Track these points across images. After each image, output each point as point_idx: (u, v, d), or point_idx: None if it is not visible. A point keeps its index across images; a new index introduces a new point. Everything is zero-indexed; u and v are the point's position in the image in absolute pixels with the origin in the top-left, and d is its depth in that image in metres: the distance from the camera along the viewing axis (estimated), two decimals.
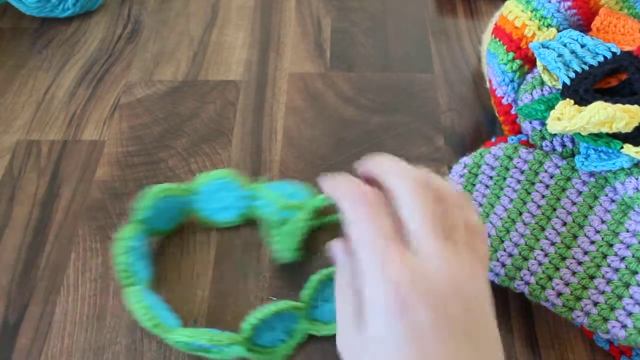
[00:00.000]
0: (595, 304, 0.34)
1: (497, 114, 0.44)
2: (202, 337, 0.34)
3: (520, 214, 0.38)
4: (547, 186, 0.38)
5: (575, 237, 0.36)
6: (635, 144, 0.34)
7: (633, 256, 0.34)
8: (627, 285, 0.33)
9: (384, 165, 0.28)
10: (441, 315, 0.24)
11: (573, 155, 0.38)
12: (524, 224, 0.38)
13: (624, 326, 0.33)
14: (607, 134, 0.35)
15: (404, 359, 0.24)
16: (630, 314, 0.33)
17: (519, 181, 0.39)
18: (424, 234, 0.25)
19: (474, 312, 0.25)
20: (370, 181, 0.28)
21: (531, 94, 0.39)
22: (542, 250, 0.36)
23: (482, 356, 0.25)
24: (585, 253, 0.35)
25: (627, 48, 0.37)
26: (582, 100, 0.35)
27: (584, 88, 0.35)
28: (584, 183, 0.37)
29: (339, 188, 0.27)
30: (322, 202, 0.40)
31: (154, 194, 0.40)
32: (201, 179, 0.41)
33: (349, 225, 0.26)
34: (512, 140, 0.41)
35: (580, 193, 0.37)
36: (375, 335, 0.25)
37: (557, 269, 0.35)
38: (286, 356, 0.37)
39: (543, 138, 0.39)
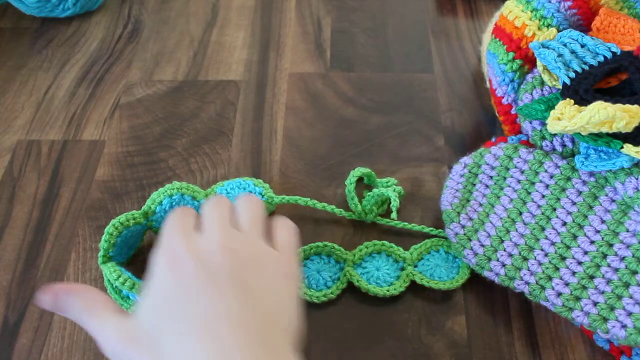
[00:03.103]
0: (595, 303, 0.34)
1: (497, 114, 0.44)
2: None
3: (520, 213, 0.38)
4: (547, 186, 0.38)
5: (575, 237, 0.36)
6: (635, 144, 0.34)
7: (633, 256, 0.34)
8: (627, 285, 0.33)
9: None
10: (205, 267, 0.30)
11: (573, 155, 0.38)
12: (524, 223, 0.38)
13: (624, 326, 0.33)
14: (607, 134, 0.35)
15: (173, 301, 0.29)
16: (630, 313, 0.33)
17: (519, 181, 0.39)
18: (212, 226, 0.33)
19: (246, 269, 0.31)
20: None
21: (531, 94, 0.39)
22: (542, 250, 0.36)
23: (253, 304, 0.29)
24: (585, 253, 0.35)
25: (627, 48, 0.37)
26: (582, 100, 0.35)
27: (584, 88, 0.35)
28: (584, 183, 0.37)
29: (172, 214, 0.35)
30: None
31: (112, 233, 0.39)
32: (154, 197, 0.41)
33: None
34: (512, 140, 0.41)
35: (580, 193, 0.37)
36: (153, 287, 0.30)
37: (557, 268, 0.35)
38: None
39: (543, 138, 0.39)
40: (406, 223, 0.43)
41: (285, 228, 0.35)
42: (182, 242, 0.31)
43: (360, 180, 0.45)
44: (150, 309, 0.30)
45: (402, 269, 0.40)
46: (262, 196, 0.42)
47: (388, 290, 0.39)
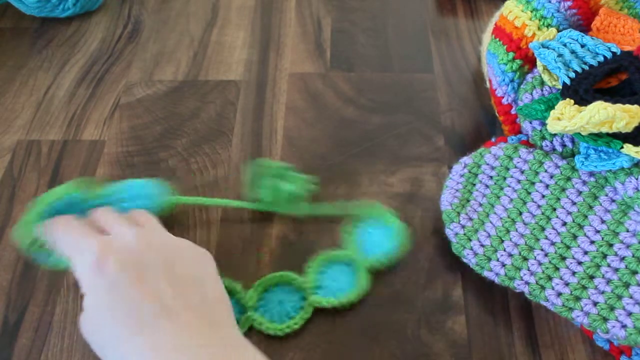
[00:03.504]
0: (595, 303, 0.34)
1: (497, 114, 0.44)
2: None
3: (520, 213, 0.38)
4: (547, 186, 0.38)
5: (575, 237, 0.36)
6: (635, 144, 0.34)
7: (633, 256, 0.34)
8: (627, 285, 0.33)
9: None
10: (127, 260, 0.31)
11: (573, 155, 0.38)
12: (524, 223, 0.38)
13: (624, 326, 0.33)
14: (607, 134, 0.35)
15: (105, 301, 0.30)
16: (630, 313, 0.33)
17: (519, 181, 0.39)
18: (116, 225, 0.34)
19: (167, 256, 0.32)
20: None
21: (531, 94, 0.39)
22: (542, 250, 0.36)
23: (184, 287, 0.31)
24: (585, 253, 0.35)
25: (627, 48, 0.37)
26: (582, 100, 0.35)
27: (584, 88, 0.36)
28: (584, 183, 0.37)
29: (54, 227, 0.35)
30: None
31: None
32: (43, 199, 0.38)
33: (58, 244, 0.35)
34: (512, 140, 0.41)
35: (580, 193, 0.37)
36: (86, 298, 0.31)
37: (557, 268, 0.35)
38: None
39: (543, 138, 0.39)
40: (324, 205, 0.43)
41: (144, 213, 0.37)
42: (95, 247, 0.32)
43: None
44: (91, 321, 0.31)
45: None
46: (156, 198, 0.41)
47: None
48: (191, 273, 0.32)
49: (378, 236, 0.42)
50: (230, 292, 0.38)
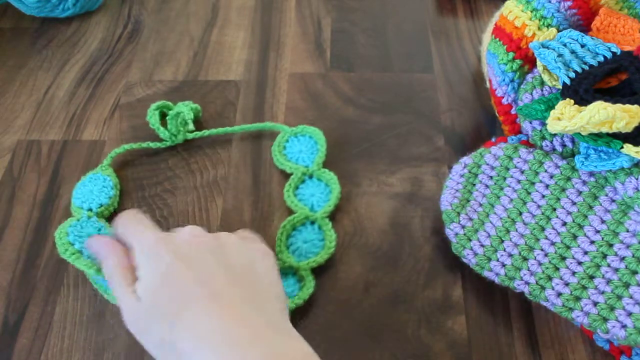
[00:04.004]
0: (595, 304, 0.34)
1: (497, 114, 0.44)
2: None
3: (520, 213, 0.38)
4: (547, 186, 0.38)
5: (575, 237, 0.36)
6: (635, 144, 0.34)
7: (633, 256, 0.34)
8: (627, 285, 0.33)
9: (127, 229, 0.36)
10: (180, 252, 0.32)
11: (573, 155, 0.38)
12: (524, 223, 0.38)
13: (624, 326, 0.33)
14: (607, 134, 0.35)
15: (158, 283, 0.32)
16: (630, 314, 0.33)
17: (519, 181, 0.39)
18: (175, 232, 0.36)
19: (222, 249, 0.34)
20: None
21: (531, 94, 0.39)
22: (542, 250, 0.36)
23: (239, 278, 0.32)
24: (585, 253, 0.35)
25: (627, 48, 0.37)
26: (582, 100, 0.35)
27: (584, 88, 0.35)
28: (584, 183, 0.37)
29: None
30: None
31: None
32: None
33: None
34: (512, 140, 0.41)
35: (580, 193, 0.37)
36: (140, 284, 0.32)
37: (557, 269, 0.35)
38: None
39: (543, 138, 0.39)
40: (219, 128, 0.48)
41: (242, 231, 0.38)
42: (153, 235, 0.34)
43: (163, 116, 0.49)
44: (148, 298, 0.32)
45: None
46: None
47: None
48: (246, 265, 0.34)
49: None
50: None
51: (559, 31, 0.40)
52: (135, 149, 0.48)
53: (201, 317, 0.30)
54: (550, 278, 0.35)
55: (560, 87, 0.37)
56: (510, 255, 0.37)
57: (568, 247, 0.36)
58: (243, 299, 0.31)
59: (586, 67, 0.37)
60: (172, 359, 0.30)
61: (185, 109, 0.47)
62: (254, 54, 0.56)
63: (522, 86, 0.41)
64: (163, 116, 0.49)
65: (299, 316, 0.39)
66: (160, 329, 0.31)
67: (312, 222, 0.43)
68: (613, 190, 0.36)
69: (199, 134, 0.48)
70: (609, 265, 0.34)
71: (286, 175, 0.46)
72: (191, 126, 0.47)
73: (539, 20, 0.41)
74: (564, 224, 0.37)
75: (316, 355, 0.30)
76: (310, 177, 0.46)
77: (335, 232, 0.42)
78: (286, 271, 0.41)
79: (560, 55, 0.38)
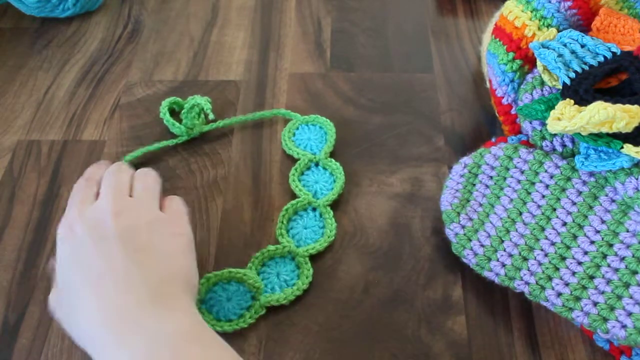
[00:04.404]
0: (595, 304, 0.34)
1: (497, 114, 0.44)
2: None
3: (520, 214, 0.38)
4: (547, 186, 0.38)
5: (575, 237, 0.36)
6: (635, 144, 0.34)
7: (633, 256, 0.34)
8: (627, 285, 0.33)
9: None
10: (94, 231, 0.35)
11: (573, 155, 0.38)
12: (524, 224, 0.38)
13: (624, 326, 0.33)
14: (607, 134, 0.35)
15: (71, 262, 0.34)
16: (630, 314, 0.33)
17: (519, 181, 0.39)
18: (104, 193, 0.38)
19: (135, 231, 0.35)
20: None
21: (531, 94, 0.39)
22: (542, 250, 0.36)
23: (142, 261, 0.34)
24: (585, 253, 0.35)
25: (627, 48, 0.37)
26: (582, 100, 0.35)
27: (584, 88, 0.35)
28: (584, 183, 0.37)
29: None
30: None
31: None
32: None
33: None
34: (512, 140, 0.41)
35: (580, 193, 0.37)
36: (58, 254, 0.35)
37: (557, 269, 0.35)
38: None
39: (543, 138, 0.39)
40: (233, 118, 0.49)
41: (174, 199, 0.39)
42: (76, 212, 0.36)
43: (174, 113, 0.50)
44: (59, 275, 0.35)
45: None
46: None
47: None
48: (155, 250, 0.35)
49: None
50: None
51: (559, 31, 0.40)
52: (131, 151, 0.48)
53: (100, 293, 0.32)
54: (550, 278, 0.35)
55: (560, 87, 0.37)
56: (510, 255, 0.37)
57: (568, 247, 0.36)
58: (143, 278, 0.33)
59: (586, 67, 0.37)
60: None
61: (202, 100, 0.48)
62: (254, 54, 0.56)
63: (522, 86, 0.41)
64: (172, 113, 0.50)
65: (299, 316, 0.39)
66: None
67: (314, 209, 0.44)
68: (613, 190, 0.36)
69: (214, 125, 0.48)
70: (609, 265, 0.34)
71: (286, 174, 0.46)
72: (212, 116, 0.47)
73: (539, 20, 0.41)
74: (564, 224, 0.37)
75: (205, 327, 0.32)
76: (317, 165, 0.46)
77: (336, 222, 0.43)
78: (285, 257, 0.41)
79: (560, 55, 0.38)
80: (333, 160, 0.46)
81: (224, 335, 0.35)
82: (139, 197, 0.38)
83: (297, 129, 0.49)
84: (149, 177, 0.40)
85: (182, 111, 0.47)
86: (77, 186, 0.39)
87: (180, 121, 0.48)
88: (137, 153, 0.47)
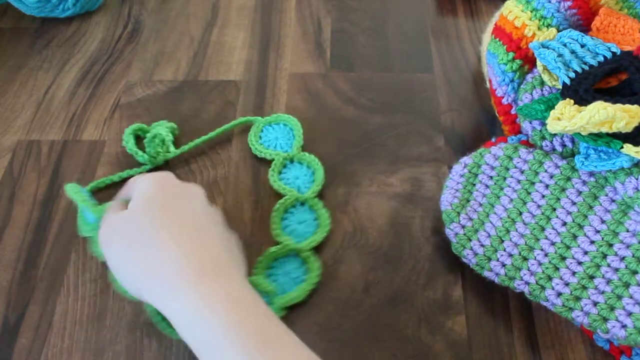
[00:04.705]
0: (595, 303, 0.34)
1: (497, 114, 0.44)
2: None
3: (520, 213, 0.38)
4: (547, 186, 0.38)
5: (575, 237, 0.36)
6: (635, 144, 0.34)
7: (633, 256, 0.34)
8: (627, 285, 0.33)
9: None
10: (142, 200, 0.36)
11: (573, 155, 0.38)
12: (524, 223, 0.38)
13: (624, 326, 0.33)
14: (607, 134, 0.35)
15: (121, 228, 0.35)
16: (630, 313, 0.33)
17: (519, 181, 0.39)
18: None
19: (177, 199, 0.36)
20: None
21: (531, 94, 0.39)
22: (542, 250, 0.36)
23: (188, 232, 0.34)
24: (585, 253, 0.35)
25: (627, 48, 0.37)
26: (582, 100, 0.35)
27: (584, 88, 0.35)
28: (584, 183, 0.37)
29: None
30: None
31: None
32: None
33: None
34: (512, 140, 0.41)
35: (580, 193, 0.37)
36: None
37: (557, 269, 0.35)
38: None
39: (543, 138, 0.39)
40: (196, 140, 0.47)
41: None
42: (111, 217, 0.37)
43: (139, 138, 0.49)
44: (106, 238, 0.36)
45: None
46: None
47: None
48: (194, 221, 0.36)
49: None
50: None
51: (559, 31, 0.40)
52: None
53: (146, 254, 0.33)
54: (550, 278, 0.35)
55: (560, 87, 0.37)
56: (510, 255, 0.37)
57: (568, 247, 0.36)
58: (192, 270, 0.33)
59: (586, 67, 0.37)
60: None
61: (163, 130, 0.47)
62: (254, 54, 0.56)
63: (522, 86, 0.41)
64: (138, 139, 0.49)
65: (299, 316, 0.39)
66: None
67: (302, 204, 0.44)
68: (613, 190, 0.36)
69: (177, 151, 0.47)
70: (609, 265, 0.34)
71: None
72: (172, 148, 0.47)
73: (539, 20, 0.41)
74: (564, 224, 0.37)
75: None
76: (292, 161, 0.47)
77: (327, 211, 0.43)
78: (288, 255, 0.41)
79: (560, 55, 0.38)
80: (306, 153, 0.47)
81: None
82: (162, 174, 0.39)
83: (262, 131, 0.49)
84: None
85: (145, 140, 0.47)
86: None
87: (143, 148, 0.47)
88: (99, 182, 0.46)
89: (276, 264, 0.41)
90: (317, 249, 0.42)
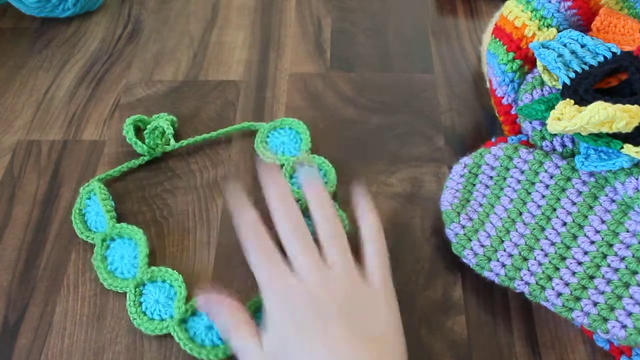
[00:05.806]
0: (595, 304, 0.34)
1: (497, 114, 0.44)
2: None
3: (520, 214, 0.38)
4: (547, 186, 0.38)
5: (575, 237, 0.36)
6: (635, 144, 0.34)
7: (633, 256, 0.34)
8: (627, 285, 0.33)
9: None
10: (314, 304, 0.33)
11: (573, 155, 0.38)
12: (524, 224, 0.38)
13: (624, 326, 0.33)
14: (607, 134, 0.35)
15: (291, 336, 0.33)
16: (630, 314, 0.33)
17: (519, 181, 0.39)
18: (300, 262, 0.36)
19: (348, 307, 0.33)
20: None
21: (531, 94, 0.39)
22: (542, 250, 0.36)
23: (362, 339, 0.32)
24: (585, 253, 0.35)
25: (627, 48, 0.37)
26: (582, 100, 0.35)
27: (584, 88, 0.35)
28: (584, 183, 0.37)
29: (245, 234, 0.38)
30: None
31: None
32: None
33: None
34: (512, 140, 0.41)
35: (580, 193, 0.37)
36: (272, 321, 0.34)
37: (557, 269, 0.35)
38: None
39: (543, 138, 0.39)
40: (196, 137, 0.48)
41: (375, 250, 0.37)
42: (287, 284, 0.34)
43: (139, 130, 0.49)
44: (274, 342, 0.33)
45: None
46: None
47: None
48: (368, 326, 0.33)
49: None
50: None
51: (559, 31, 0.40)
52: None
53: None
54: (550, 278, 0.35)
55: (560, 87, 0.37)
56: (510, 255, 0.37)
57: (568, 247, 0.36)
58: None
59: (586, 67, 0.37)
60: None
61: (164, 122, 0.47)
62: (254, 54, 0.56)
63: (522, 86, 0.41)
64: (138, 130, 0.49)
65: None
66: None
67: None
68: (613, 190, 0.36)
69: (177, 145, 0.47)
70: (609, 265, 0.34)
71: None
72: (172, 141, 0.47)
73: (539, 20, 0.41)
74: (564, 224, 0.37)
75: None
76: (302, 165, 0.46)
77: (343, 212, 0.43)
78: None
79: (560, 56, 0.38)
80: (316, 155, 0.46)
81: None
82: (338, 265, 0.36)
83: (268, 137, 0.48)
84: (333, 220, 0.38)
85: (145, 131, 0.47)
86: (253, 245, 0.37)
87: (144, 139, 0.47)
88: (103, 176, 0.46)
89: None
90: None
